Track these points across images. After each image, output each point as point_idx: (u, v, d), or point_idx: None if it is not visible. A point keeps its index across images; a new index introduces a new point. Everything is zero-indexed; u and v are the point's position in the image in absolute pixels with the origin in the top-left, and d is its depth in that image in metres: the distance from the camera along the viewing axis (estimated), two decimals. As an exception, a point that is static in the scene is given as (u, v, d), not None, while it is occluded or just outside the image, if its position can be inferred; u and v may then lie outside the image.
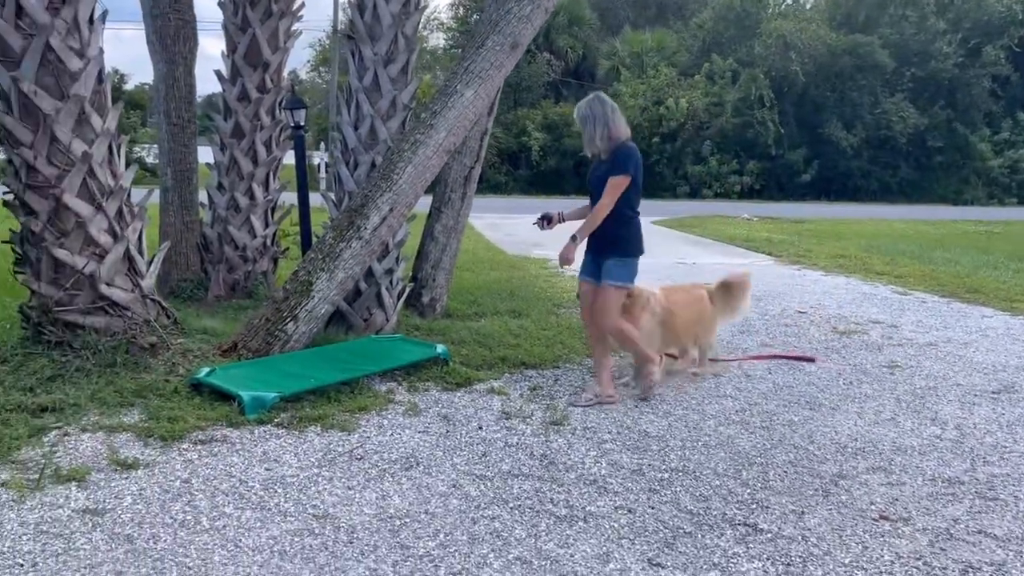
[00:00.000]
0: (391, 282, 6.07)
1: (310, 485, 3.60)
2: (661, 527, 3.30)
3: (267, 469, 3.75)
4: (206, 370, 4.68)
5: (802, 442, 4.32)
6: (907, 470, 3.96)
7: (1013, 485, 3.80)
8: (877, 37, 31.49)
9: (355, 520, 3.28)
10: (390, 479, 3.70)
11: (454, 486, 3.64)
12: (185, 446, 3.95)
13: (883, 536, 3.26)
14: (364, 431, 4.26)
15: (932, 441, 4.38)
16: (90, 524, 3.14)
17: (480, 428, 4.37)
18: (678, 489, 3.67)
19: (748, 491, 3.67)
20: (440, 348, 5.41)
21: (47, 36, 4.85)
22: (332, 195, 6.16)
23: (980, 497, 3.66)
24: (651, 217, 16.08)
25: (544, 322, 6.79)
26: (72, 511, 3.24)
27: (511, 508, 3.43)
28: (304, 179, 6.75)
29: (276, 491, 3.52)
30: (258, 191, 7.26)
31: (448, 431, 4.31)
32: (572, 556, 3.04)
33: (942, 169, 32.98)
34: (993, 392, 5.33)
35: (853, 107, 31.47)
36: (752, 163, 30.78)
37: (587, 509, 3.44)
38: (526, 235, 12.00)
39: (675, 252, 12.83)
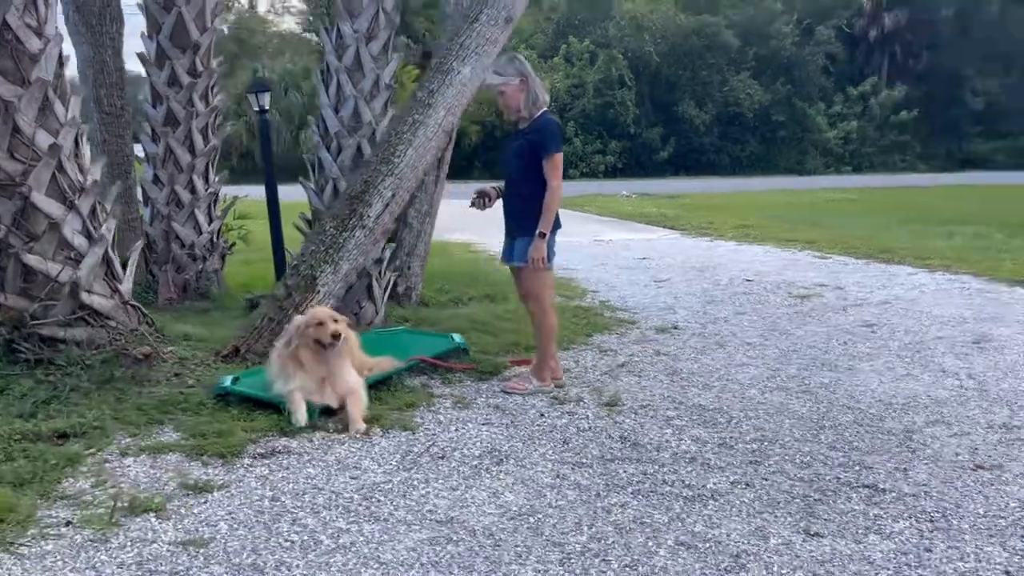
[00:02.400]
0: (380, 273, 5.76)
1: (409, 489, 3.34)
2: (789, 497, 3.29)
3: (353, 478, 3.45)
4: (229, 378, 4.25)
5: (850, 402, 4.44)
6: (961, 421, 4.16)
7: (1058, 425, 4.08)
8: (723, 17, 33.06)
9: (484, 522, 3.07)
10: (488, 475, 3.49)
11: (558, 476, 3.49)
12: (247, 462, 3.57)
13: (992, 484, 3.40)
14: (427, 428, 4.01)
15: (960, 392, 4.63)
16: (201, 557, 2.78)
17: (542, 415, 4.22)
18: (776, 459, 3.68)
19: (839, 454, 3.73)
20: (458, 338, 5.19)
21: (3, 13, 4.24)
22: (312, 183, 5.75)
23: (1041, 439, 3.91)
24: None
25: (527, 305, 6.65)
26: (170, 544, 2.85)
27: (632, 493, 3.32)
28: (271, 168, 6.25)
29: (378, 499, 3.25)
30: (199, 183, 6.69)
31: (512, 421, 4.12)
32: (728, 535, 2.97)
33: (784, 142, 35.17)
34: (974, 343, 5.70)
35: (704, 85, 32.97)
36: (614, 142, 31.66)
37: (707, 487, 3.39)
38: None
39: (585, 231, 12.96)
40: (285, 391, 4.01)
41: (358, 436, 3.87)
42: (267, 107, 6.12)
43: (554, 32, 34.32)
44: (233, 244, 7.11)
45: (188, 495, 3.24)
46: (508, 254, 4.63)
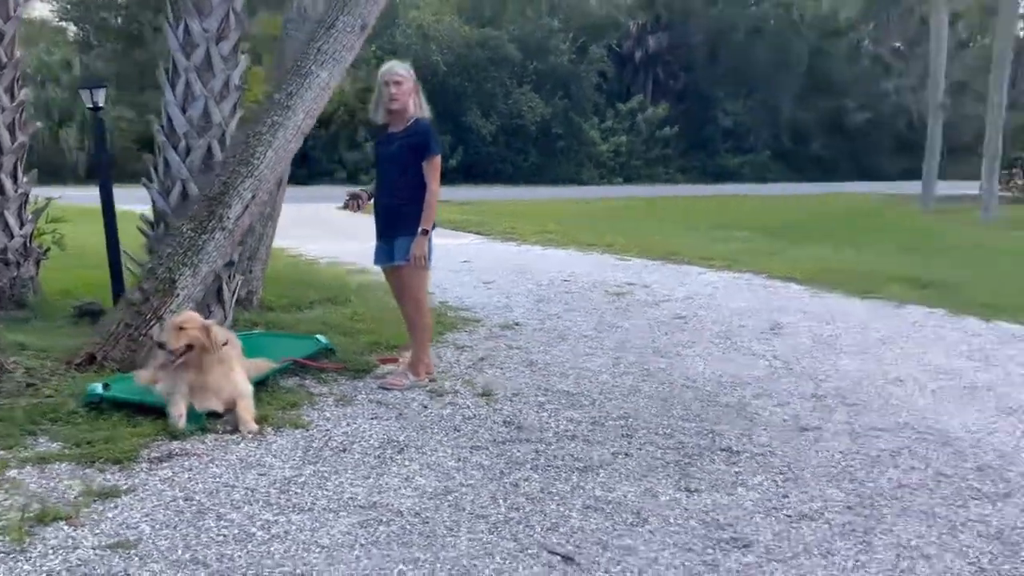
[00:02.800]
0: (230, 276, 5.67)
1: (323, 481, 3.46)
2: (664, 463, 3.77)
3: (261, 474, 3.50)
4: (99, 386, 4.07)
5: (687, 382, 5.06)
6: (780, 393, 4.89)
7: (854, 392, 4.91)
8: (505, 32, 34.38)
9: (407, 503, 3.27)
10: (394, 463, 3.68)
11: (459, 460, 3.74)
12: (145, 466, 3.50)
13: (818, 441, 4.08)
14: (319, 425, 4.10)
15: (772, 370, 5.40)
16: (135, 558, 2.76)
17: (425, 407, 4.44)
18: (643, 432, 4.16)
19: (693, 425, 4.29)
20: (323, 339, 5.26)
21: None
22: (155, 185, 5.54)
23: (843, 404, 4.69)
24: (324, 204, 16.06)
25: (375, 306, 6.79)
26: (96, 549, 2.80)
27: (531, 469, 3.66)
28: (107, 169, 5.88)
29: (295, 492, 3.34)
30: (7, 183, 6.20)
31: (399, 414, 4.31)
32: (625, 496, 3.39)
33: (563, 154, 37.11)
34: (770, 329, 6.60)
35: (489, 97, 34.07)
36: (403, 149, 31.89)
37: (593, 459, 3.79)
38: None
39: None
40: (166, 394, 3.94)
41: (251, 436, 3.89)
42: (102, 104, 5.79)
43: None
44: (48, 249, 6.63)
45: (95, 501, 3.16)
46: (387, 255, 4.79)
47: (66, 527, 2.95)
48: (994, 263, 10.72)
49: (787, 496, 3.43)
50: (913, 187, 30.79)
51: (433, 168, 4.63)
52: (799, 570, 2.82)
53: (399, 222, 4.67)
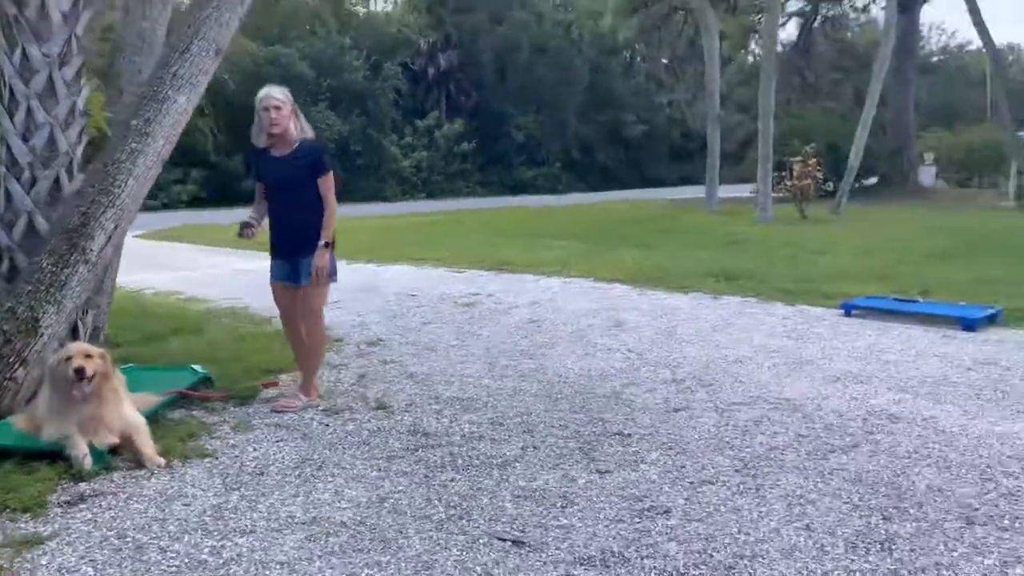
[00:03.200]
0: (83, 311, 5.38)
1: (253, 504, 3.48)
2: (569, 450, 4.10)
3: (186, 504, 3.47)
4: (-26, 434, 3.81)
5: (562, 379, 5.43)
6: (645, 381, 5.38)
7: (705, 374, 5.50)
8: (296, 50, 33.82)
9: (347, 515, 3.37)
10: (317, 480, 3.75)
11: (380, 470, 3.87)
12: (59, 511, 3.36)
13: (691, 419, 4.58)
14: (225, 452, 4.06)
15: (630, 362, 5.90)
16: (93, 600, 2.71)
17: (327, 426, 4.50)
18: (541, 426, 4.47)
19: (581, 415, 4.65)
20: (200, 369, 5.13)
21: None
22: (-7, 218, 5.15)
23: (701, 385, 5.26)
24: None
25: (230, 335, 6.65)
26: (47, 598, 2.71)
27: (453, 470, 3.85)
28: None
29: (230, 517, 3.35)
30: None
31: (303, 435, 4.35)
32: (547, 484, 3.68)
33: (364, 171, 37.06)
34: (616, 326, 7.16)
35: (284, 116, 33.32)
36: (195, 171, 30.59)
37: (506, 454, 4.05)
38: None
39: (218, 262, 12.76)
40: (61, 435, 3.77)
41: (159, 469, 3.81)
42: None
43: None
44: None
45: (18, 550, 3.01)
46: (288, 274, 4.81)
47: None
48: (779, 255, 12.08)
49: (683, 467, 3.87)
50: (690, 191, 33.62)
51: (329, 184, 4.79)
52: (716, 526, 3.24)
53: (302, 241, 4.74)
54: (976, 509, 3.35)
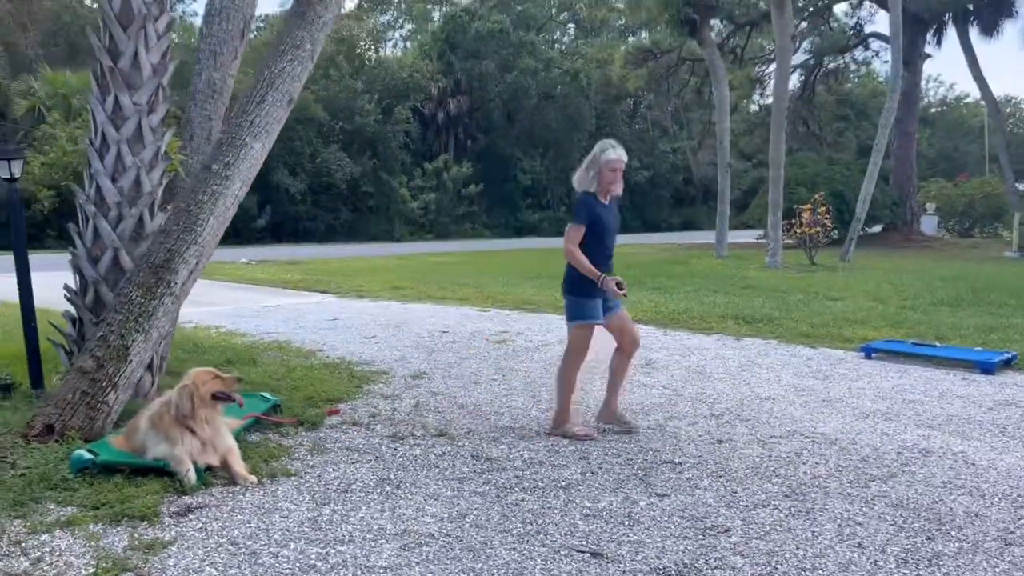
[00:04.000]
0: (160, 341, 5.72)
1: (344, 517, 3.78)
2: (627, 476, 4.41)
3: (283, 517, 3.77)
4: (84, 452, 4.12)
5: (619, 411, 5.75)
6: (685, 416, 5.70)
7: (741, 409, 5.82)
8: (311, 92, 34.51)
9: (432, 528, 3.67)
10: (399, 497, 4.05)
11: (454, 490, 4.17)
12: (170, 521, 3.66)
13: (736, 450, 4.89)
14: (308, 472, 4.37)
15: (667, 398, 6.22)
16: (224, 596, 3.00)
17: (396, 450, 4.81)
18: (596, 455, 4.78)
19: (631, 445, 4.96)
20: (271, 396, 5.46)
21: None
22: (82, 253, 5.51)
23: (739, 420, 5.57)
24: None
25: (285, 365, 6.98)
26: (183, 593, 3.01)
27: (521, 491, 4.16)
28: (23, 250, 5.59)
29: (326, 528, 3.64)
30: None
31: (376, 458, 4.66)
32: (610, 505, 3.98)
33: (373, 211, 37.62)
34: (648, 364, 7.47)
35: (297, 156, 34.00)
36: (209, 210, 30.99)
37: (567, 479, 4.35)
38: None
39: (245, 298, 13.07)
40: (171, 455, 4.09)
41: (251, 486, 4.12)
42: (18, 174, 5.65)
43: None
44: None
45: (146, 552, 3.32)
46: (604, 309, 5.22)
47: (138, 578, 3.11)
48: (794, 300, 12.43)
49: (735, 492, 4.18)
50: (693, 236, 34.08)
51: None
52: (775, 543, 3.55)
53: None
54: (1012, 532, 3.67)
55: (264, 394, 5.52)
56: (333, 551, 3.42)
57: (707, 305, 11.49)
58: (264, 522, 3.69)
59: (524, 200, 44.74)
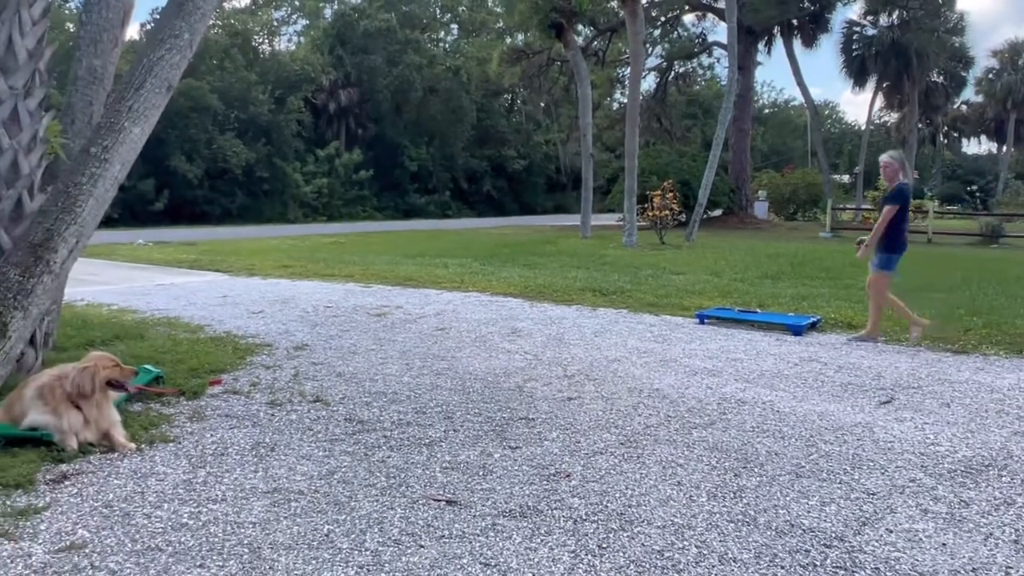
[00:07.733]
0: (41, 319, 5.35)
1: (218, 479, 3.67)
2: (484, 432, 4.47)
3: (159, 480, 3.63)
4: (-42, 425, 3.83)
5: (470, 376, 5.79)
6: (542, 377, 5.81)
7: (591, 371, 5.99)
8: (205, 83, 32.89)
9: (302, 485, 3.62)
10: (272, 459, 3.97)
11: (325, 451, 4.12)
12: (44, 488, 3.46)
13: (583, 406, 5.04)
14: (186, 438, 4.22)
15: (528, 361, 6.32)
16: (94, 554, 2.87)
17: (273, 416, 4.70)
18: (459, 414, 4.81)
19: (492, 405, 5.02)
20: (153, 368, 5.21)
21: None
22: (-44, 232, 5.07)
23: (588, 380, 5.74)
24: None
25: (172, 340, 6.67)
26: (51, 554, 2.86)
27: (387, 449, 4.15)
28: None
29: (202, 489, 3.54)
30: None
31: (254, 423, 4.53)
32: (468, 458, 4.03)
33: (268, 195, 36.32)
34: (513, 333, 7.58)
35: (193, 143, 32.37)
36: (105, 193, 29.15)
37: (431, 436, 4.37)
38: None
39: (140, 277, 12.41)
40: (57, 426, 3.86)
41: (129, 453, 3.94)
42: None
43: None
44: None
45: (18, 518, 3.13)
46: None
47: (7, 543, 2.93)
48: (644, 275, 12.85)
49: (579, 442, 4.31)
50: (564, 219, 34.68)
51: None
52: (608, 484, 3.68)
53: None
54: (803, 466, 3.95)
55: (147, 366, 5.27)
56: (205, 510, 3.32)
57: (569, 280, 11.72)
58: (140, 486, 3.54)
59: (411, 185, 44.27)
